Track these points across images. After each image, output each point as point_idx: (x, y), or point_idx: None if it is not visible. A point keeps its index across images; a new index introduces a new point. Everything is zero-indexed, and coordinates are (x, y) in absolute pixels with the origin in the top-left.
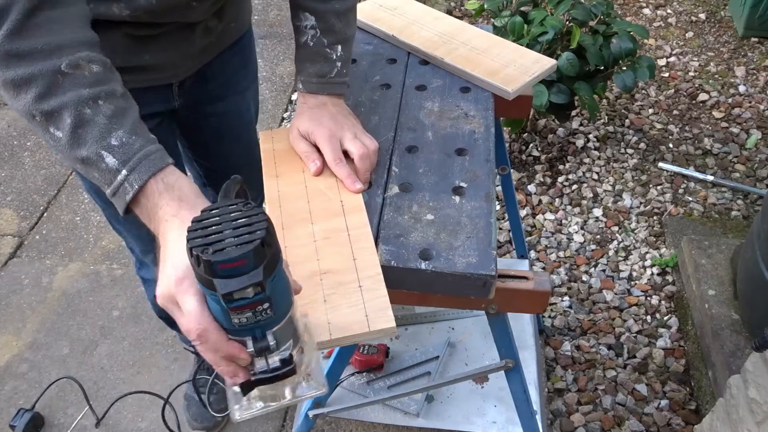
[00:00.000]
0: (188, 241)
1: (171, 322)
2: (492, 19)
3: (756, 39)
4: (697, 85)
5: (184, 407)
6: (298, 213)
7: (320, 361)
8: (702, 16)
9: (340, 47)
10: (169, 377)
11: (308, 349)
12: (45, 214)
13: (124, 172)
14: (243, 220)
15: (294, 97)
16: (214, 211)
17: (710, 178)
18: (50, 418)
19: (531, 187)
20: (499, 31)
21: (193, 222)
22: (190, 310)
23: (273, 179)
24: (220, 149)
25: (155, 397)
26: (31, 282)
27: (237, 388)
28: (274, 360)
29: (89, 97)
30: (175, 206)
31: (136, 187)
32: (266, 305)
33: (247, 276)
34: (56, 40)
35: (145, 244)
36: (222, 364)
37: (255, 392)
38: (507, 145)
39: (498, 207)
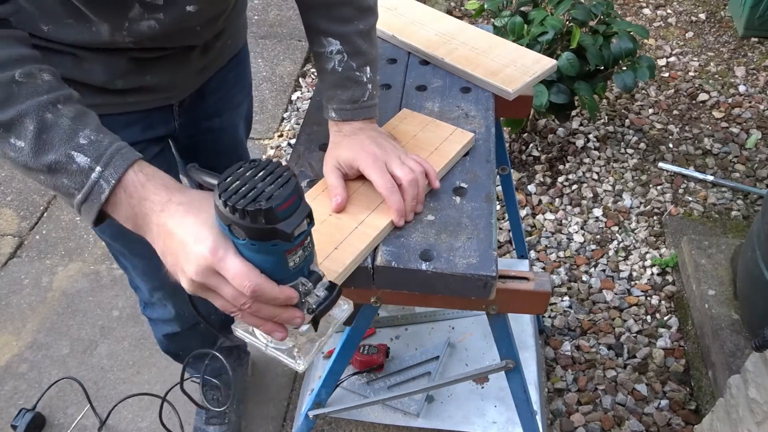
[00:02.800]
0: (231, 204)
1: (176, 357)
2: (492, 19)
3: (756, 39)
4: (697, 85)
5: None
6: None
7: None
8: (702, 16)
9: (368, 68)
10: (169, 377)
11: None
12: (45, 214)
13: (98, 168)
14: (262, 172)
15: (294, 97)
16: (229, 179)
17: (710, 178)
18: (51, 418)
19: (531, 187)
20: (499, 31)
21: (220, 191)
22: (238, 270)
23: None
24: (214, 166)
25: (155, 397)
26: (31, 282)
27: (289, 343)
28: (320, 291)
29: (48, 101)
30: (164, 194)
31: (113, 182)
32: (309, 239)
33: (299, 209)
34: (5, 54)
35: (153, 281)
36: (279, 314)
37: (302, 339)
38: (507, 145)
39: (498, 207)
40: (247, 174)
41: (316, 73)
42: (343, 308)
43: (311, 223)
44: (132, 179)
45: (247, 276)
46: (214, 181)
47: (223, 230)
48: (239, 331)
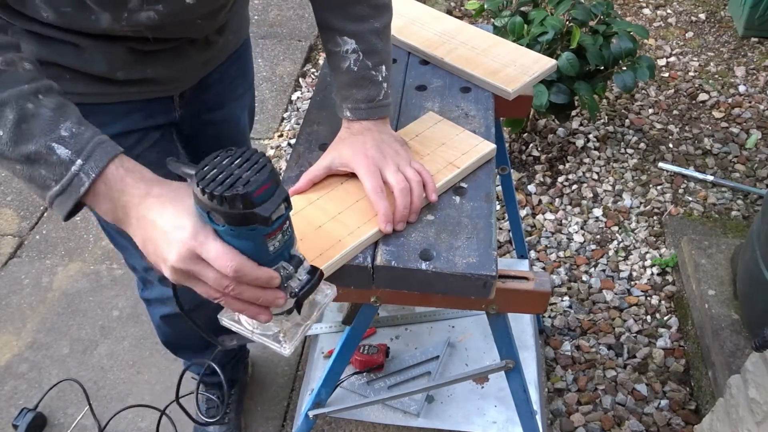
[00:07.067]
0: (209, 191)
1: (176, 349)
2: (492, 19)
3: (756, 39)
4: (697, 85)
5: None
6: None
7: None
8: (702, 16)
9: (384, 67)
10: (169, 377)
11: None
12: (45, 214)
13: (79, 161)
14: (238, 159)
15: (294, 97)
16: (206, 167)
17: (710, 178)
18: (52, 417)
19: (531, 187)
20: (499, 31)
21: (198, 179)
22: (219, 252)
23: None
24: None
25: (155, 395)
26: (31, 282)
27: (274, 328)
28: (301, 275)
29: (29, 91)
30: (143, 186)
31: (93, 175)
32: (287, 223)
33: (277, 194)
34: None
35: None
36: (260, 296)
37: (287, 324)
38: (507, 145)
39: (498, 207)
40: (224, 162)
41: (316, 73)
42: (327, 293)
43: (289, 207)
44: (113, 173)
45: (229, 257)
46: (192, 171)
47: (204, 218)
48: (225, 319)
